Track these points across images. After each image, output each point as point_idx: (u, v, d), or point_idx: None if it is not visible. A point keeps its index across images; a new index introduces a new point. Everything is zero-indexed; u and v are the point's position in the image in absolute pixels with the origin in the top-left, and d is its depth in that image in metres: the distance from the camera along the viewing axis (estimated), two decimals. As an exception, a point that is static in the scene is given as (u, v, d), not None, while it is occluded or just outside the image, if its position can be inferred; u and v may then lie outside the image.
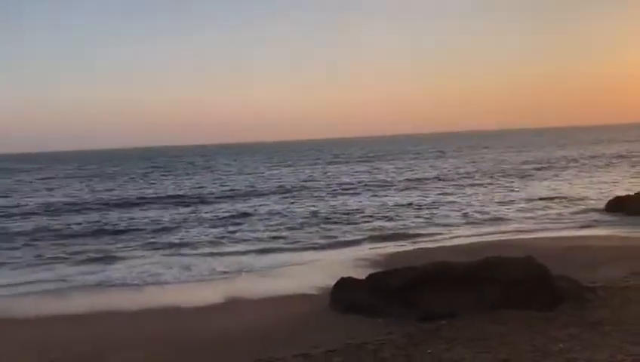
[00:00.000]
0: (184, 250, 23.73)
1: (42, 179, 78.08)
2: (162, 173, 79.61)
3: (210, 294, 16.36)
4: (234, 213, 33.92)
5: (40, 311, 15.36)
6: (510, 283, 11.87)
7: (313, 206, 36.18)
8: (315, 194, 43.43)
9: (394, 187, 46.50)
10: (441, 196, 38.38)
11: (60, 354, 11.18)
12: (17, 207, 42.07)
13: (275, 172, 73.53)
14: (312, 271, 18.77)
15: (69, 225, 31.94)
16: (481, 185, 45.12)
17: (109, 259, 22.48)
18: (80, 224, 32.03)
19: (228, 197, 44.06)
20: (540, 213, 29.71)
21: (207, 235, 27.08)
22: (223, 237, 26.40)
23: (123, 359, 10.64)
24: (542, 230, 25.09)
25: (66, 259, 22.83)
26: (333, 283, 14.02)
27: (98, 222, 32.66)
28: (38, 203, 44.22)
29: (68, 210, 38.77)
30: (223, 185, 54.48)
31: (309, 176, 63.60)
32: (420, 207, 33.48)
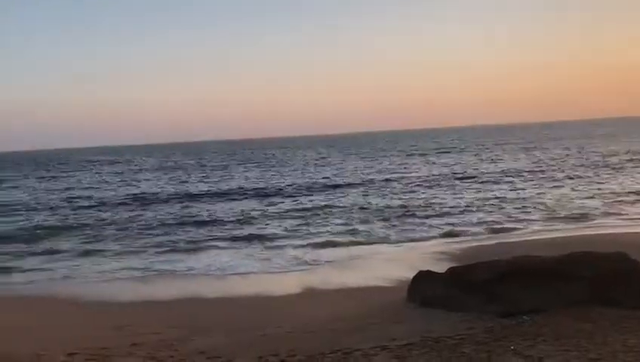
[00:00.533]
0: (264, 242, 24.26)
1: (126, 171, 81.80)
2: (243, 166, 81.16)
3: (288, 284, 16.71)
4: (312, 206, 34.26)
5: (129, 296, 16.28)
6: (598, 279, 11.35)
7: (390, 199, 35.99)
8: (394, 186, 43.11)
9: (477, 179, 45.08)
10: (524, 189, 37.12)
11: (147, 338, 11.74)
12: (107, 198, 44.35)
13: (353, 164, 73.21)
14: (388, 264, 18.74)
15: (155, 215, 33.37)
16: (569, 177, 43.27)
17: (193, 249, 23.37)
18: (167, 215, 33.33)
19: (307, 189, 44.43)
20: (631, 209, 28.12)
21: (286, 227, 27.54)
22: (301, 229, 26.77)
23: (208, 343, 11.03)
24: (633, 225, 23.77)
25: (153, 248, 23.95)
26: (409, 275, 13.92)
27: (182, 213, 33.91)
28: (126, 194, 46.44)
29: (154, 202, 40.49)
30: (302, 178, 54.94)
31: (387, 168, 62.97)
32: (501, 200, 32.53)
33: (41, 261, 22.41)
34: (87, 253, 23.49)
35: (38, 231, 28.88)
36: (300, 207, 34.52)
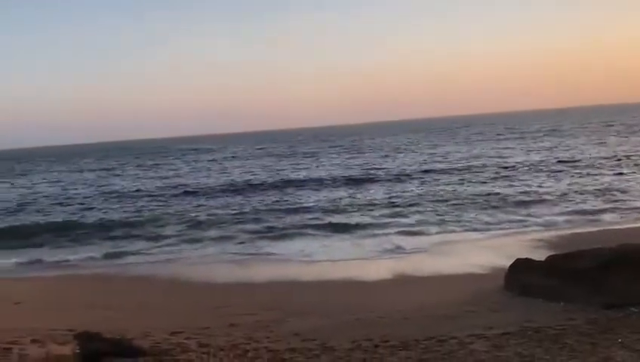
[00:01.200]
0: (356, 229, 24.28)
1: (220, 159, 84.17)
2: (334, 153, 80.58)
3: (380, 270, 16.70)
4: (403, 193, 33.81)
5: (226, 278, 16.96)
6: None
7: (487, 185, 34.74)
8: (486, 172, 41.55)
9: (580, 164, 42.36)
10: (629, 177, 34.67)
11: (244, 319, 12.16)
12: (204, 185, 45.70)
13: (445, 150, 70.60)
14: (483, 251, 18.26)
15: (249, 202, 34.22)
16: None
17: (285, 235, 23.84)
18: (260, 202, 34.00)
19: (398, 175, 43.68)
20: None
21: (379, 214, 27.37)
22: (391, 216, 26.58)
23: (303, 325, 11.26)
24: None
25: (248, 233, 24.69)
26: (505, 263, 13.51)
27: (276, 200, 34.35)
28: (222, 182, 47.79)
29: (246, 189, 41.27)
30: (393, 164, 53.80)
31: (480, 154, 60.43)
32: (606, 187, 30.55)
33: (146, 245, 23.78)
34: (187, 238, 24.61)
35: (141, 218, 30.54)
36: (394, 193, 34.09)
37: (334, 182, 42.37)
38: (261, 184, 43.74)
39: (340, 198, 33.40)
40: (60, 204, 39.17)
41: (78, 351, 9.38)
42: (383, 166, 52.44)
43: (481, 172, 41.83)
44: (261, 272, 17.60)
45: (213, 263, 19.65)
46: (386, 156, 64.82)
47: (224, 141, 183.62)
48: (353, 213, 28.24)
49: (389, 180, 41.30)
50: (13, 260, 21.67)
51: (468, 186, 35.01)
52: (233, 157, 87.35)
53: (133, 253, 22.24)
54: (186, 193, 40.87)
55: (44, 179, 65.05)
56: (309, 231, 24.53)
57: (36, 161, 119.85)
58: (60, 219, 31.41)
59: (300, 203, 32.74)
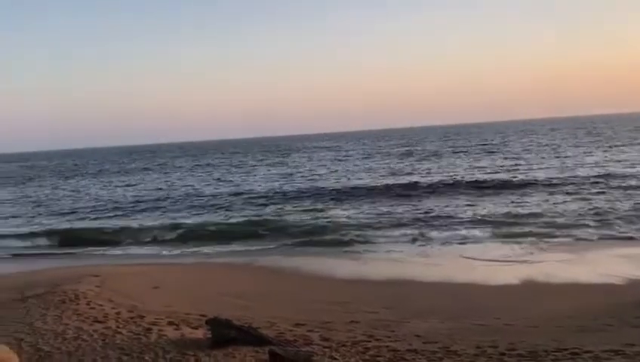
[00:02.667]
0: (477, 232, 23.42)
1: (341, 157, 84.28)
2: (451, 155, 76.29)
3: (507, 275, 16.03)
4: (530, 198, 31.64)
5: (348, 274, 17.16)
6: None
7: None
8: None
9: None
10: None
11: (365, 316, 12.20)
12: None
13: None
14: (621, 261, 16.90)
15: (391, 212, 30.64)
16: None
17: (416, 238, 23.32)
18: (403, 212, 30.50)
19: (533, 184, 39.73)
20: None
21: (514, 212, 26.18)
22: (527, 217, 25.14)
23: (424, 327, 11.12)
24: None
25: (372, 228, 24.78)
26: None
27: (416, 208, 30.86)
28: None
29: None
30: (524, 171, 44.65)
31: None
32: None
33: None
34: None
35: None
36: (522, 200, 31.74)
37: (462, 186, 37.55)
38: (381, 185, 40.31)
39: (468, 202, 31.17)
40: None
41: (209, 335, 9.96)
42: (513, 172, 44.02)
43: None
44: (380, 269, 17.62)
45: (335, 258, 19.97)
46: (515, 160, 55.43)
47: (334, 139, 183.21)
48: (483, 213, 27.03)
49: (525, 187, 35.45)
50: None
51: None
52: (346, 156, 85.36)
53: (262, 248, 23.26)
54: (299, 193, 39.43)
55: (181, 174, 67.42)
56: (438, 233, 23.60)
57: (165, 156, 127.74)
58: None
59: (438, 210, 29.27)
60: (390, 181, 42.26)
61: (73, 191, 53.78)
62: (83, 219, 34.94)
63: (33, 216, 37.22)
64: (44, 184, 65.94)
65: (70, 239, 27.99)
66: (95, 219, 34.52)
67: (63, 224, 32.87)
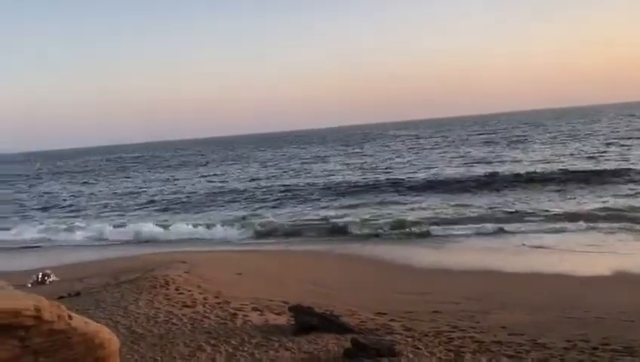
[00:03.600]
0: (567, 224, 22.32)
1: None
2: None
3: (596, 265, 15.32)
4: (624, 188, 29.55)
5: (430, 263, 16.97)
6: None
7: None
8: None
9: None
10: None
11: (448, 307, 12.00)
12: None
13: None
14: None
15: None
16: None
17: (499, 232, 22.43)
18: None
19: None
20: None
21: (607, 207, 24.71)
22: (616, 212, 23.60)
23: (509, 319, 10.81)
24: None
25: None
26: None
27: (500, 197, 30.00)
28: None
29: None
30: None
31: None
32: None
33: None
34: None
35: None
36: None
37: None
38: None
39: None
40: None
41: (292, 322, 10.15)
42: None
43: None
44: (462, 259, 17.29)
45: (416, 248, 19.79)
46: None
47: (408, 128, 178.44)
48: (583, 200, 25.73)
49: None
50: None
51: None
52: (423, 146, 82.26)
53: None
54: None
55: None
56: (522, 225, 22.51)
57: (247, 147, 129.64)
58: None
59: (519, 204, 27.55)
60: (476, 170, 40.75)
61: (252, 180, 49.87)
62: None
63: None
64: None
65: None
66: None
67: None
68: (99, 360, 4.84)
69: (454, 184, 35.15)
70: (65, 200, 47.48)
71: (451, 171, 41.59)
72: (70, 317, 4.71)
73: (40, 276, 16.87)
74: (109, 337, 5.06)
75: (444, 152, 60.64)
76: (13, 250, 26.57)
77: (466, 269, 16.01)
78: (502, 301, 12.34)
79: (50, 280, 16.79)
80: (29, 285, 15.81)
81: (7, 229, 32.20)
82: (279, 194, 38.51)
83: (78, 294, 13.91)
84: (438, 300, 12.62)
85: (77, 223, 32.17)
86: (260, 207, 33.79)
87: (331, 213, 29.18)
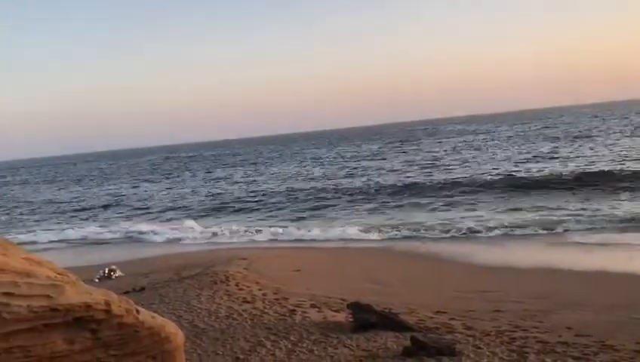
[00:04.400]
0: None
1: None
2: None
3: None
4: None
5: (491, 261, 16.62)
6: None
7: None
8: None
9: None
10: None
11: (510, 306, 11.73)
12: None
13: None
14: None
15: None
16: None
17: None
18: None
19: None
20: None
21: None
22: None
23: (575, 319, 10.45)
24: None
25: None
26: None
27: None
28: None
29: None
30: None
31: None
32: None
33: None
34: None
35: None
36: None
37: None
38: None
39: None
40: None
41: (351, 319, 10.15)
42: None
43: None
44: (525, 256, 16.83)
45: (476, 245, 19.42)
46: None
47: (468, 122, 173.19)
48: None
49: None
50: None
51: None
52: (492, 140, 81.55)
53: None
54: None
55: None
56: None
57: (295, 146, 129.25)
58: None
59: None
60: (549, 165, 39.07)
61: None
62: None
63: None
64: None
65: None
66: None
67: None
68: (165, 353, 4.99)
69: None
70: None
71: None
72: (138, 312, 4.87)
73: (106, 271, 17.55)
74: (174, 331, 5.20)
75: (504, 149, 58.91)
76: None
77: (530, 267, 15.58)
78: (567, 300, 11.93)
79: (116, 275, 17.43)
80: (97, 280, 16.48)
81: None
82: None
83: (142, 289, 14.37)
84: (500, 299, 12.33)
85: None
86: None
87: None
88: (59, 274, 5.02)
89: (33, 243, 28.05)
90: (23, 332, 4.36)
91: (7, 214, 45.73)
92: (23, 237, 29.69)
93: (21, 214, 45.13)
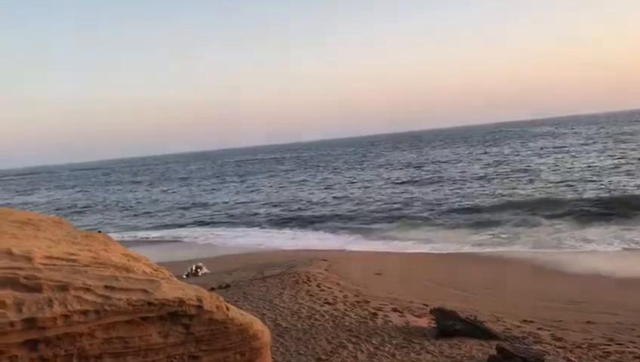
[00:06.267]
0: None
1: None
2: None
3: None
4: None
5: (580, 268, 15.85)
6: None
7: None
8: None
9: None
10: None
11: (603, 318, 11.13)
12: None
13: None
14: None
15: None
16: None
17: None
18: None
19: None
20: None
21: None
22: None
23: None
24: None
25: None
26: None
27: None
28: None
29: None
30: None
31: None
32: None
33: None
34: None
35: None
36: None
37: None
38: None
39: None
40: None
41: (434, 325, 9.98)
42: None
43: None
44: (624, 267, 15.84)
45: (567, 253, 18.53)
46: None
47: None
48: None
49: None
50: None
51: None
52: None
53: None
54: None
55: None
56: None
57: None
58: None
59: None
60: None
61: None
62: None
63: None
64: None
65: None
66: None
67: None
68: (253, 350, 5.10)
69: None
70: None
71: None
72: (227, 309, 5.02)
73: (194, 268, 18.21)
74: (262, 329, 5.30)
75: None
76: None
77: (627, 277, 14.71)
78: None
79: (203, 272, 18.05)
80: (185, 276, 17.13)
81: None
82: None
83: (227, 286, 14.80)
84: (593, 310, 11.74)
85: None
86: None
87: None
88: (154, 270, 5.26)
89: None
90: (122, 324, 4.59)
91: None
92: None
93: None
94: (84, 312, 4.36)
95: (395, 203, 35.85)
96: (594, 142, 68.73)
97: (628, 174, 36.22)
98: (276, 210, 38.73)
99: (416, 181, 47.75)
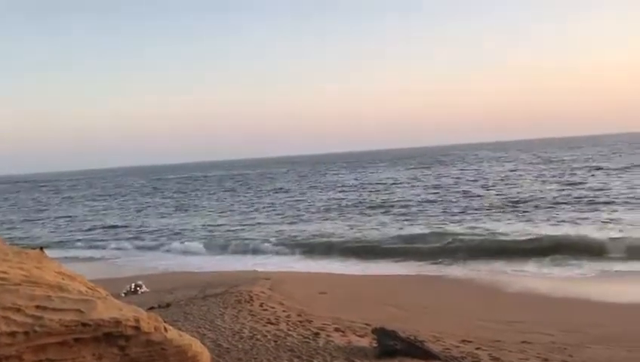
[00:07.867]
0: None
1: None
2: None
3: None
4: None
5: (516, 289, 16.27)
6: None
7: None
8: None
9: None
10: None
11: (538, 338, 11.46)
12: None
13: None
14: None
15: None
16: None
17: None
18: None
19: None
20: None
21: None
22: None
23: (606, 355, 10.16)
24: None
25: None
26: None
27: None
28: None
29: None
30: None
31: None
32: None
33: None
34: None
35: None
36: None
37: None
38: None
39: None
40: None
41: (375, 345, 10.00)
42: None
43: None
44: (559, 288, 16.40)
45: (507, 275, 19.01)
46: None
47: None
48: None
49: None
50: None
51: None
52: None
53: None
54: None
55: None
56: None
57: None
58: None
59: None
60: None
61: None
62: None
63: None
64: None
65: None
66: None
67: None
68: (191, 372, 4.99)
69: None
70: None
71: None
72: (166, 329, 4.89)
73: (133, 286, 17.70)
74: (200, 351, 5.20)
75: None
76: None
77: (561, 297, 15.25)
78: (600, 334, 11.64)
79: (142, 290, 17.56)
80: (123, 294, 16.61)
81: None
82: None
83: (168, 305, 14.43)
84: (529, 330, 12.08)
85: None
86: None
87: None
88: (90, 288, 5.07)
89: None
90: (53, 346, 4.40)
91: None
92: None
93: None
94: (12, 334, 4.15)
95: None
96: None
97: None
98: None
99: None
